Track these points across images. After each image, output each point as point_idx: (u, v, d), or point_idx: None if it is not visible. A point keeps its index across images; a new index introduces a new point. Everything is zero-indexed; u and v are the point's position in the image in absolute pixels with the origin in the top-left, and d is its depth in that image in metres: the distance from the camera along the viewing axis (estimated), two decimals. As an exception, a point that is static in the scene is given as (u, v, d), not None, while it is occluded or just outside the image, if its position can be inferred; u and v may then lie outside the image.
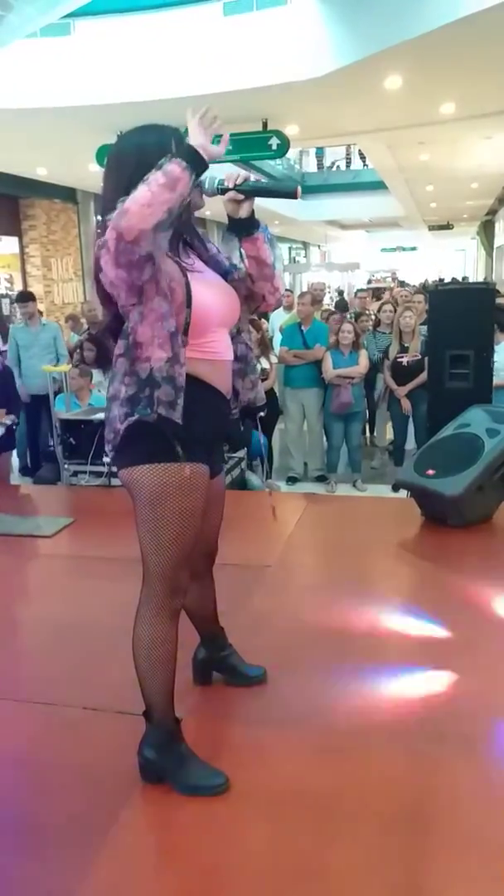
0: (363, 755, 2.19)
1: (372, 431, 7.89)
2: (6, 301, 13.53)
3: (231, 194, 1.91)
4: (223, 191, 1.90)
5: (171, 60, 9.08)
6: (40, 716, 2.44)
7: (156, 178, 1.65)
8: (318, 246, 35.15)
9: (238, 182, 1.90)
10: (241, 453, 5.48)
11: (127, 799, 2.02)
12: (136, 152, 1.83)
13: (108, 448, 1.94)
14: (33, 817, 1.99)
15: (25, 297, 7.00)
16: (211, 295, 1.90)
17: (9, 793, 2.10)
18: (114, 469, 2.03)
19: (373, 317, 8.24)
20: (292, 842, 1.87)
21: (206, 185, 1.89)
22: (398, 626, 3.05)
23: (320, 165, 26.09)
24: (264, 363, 6.33)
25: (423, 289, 11.11)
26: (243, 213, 1.95)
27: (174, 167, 1.67)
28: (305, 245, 34.64)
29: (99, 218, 1.93)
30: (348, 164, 24.44)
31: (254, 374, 2.12)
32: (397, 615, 3.16)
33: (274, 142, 10.30)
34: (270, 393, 6.42)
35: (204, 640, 2.48)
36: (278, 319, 8.13)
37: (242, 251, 2.01)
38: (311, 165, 26.52)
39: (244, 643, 2.63)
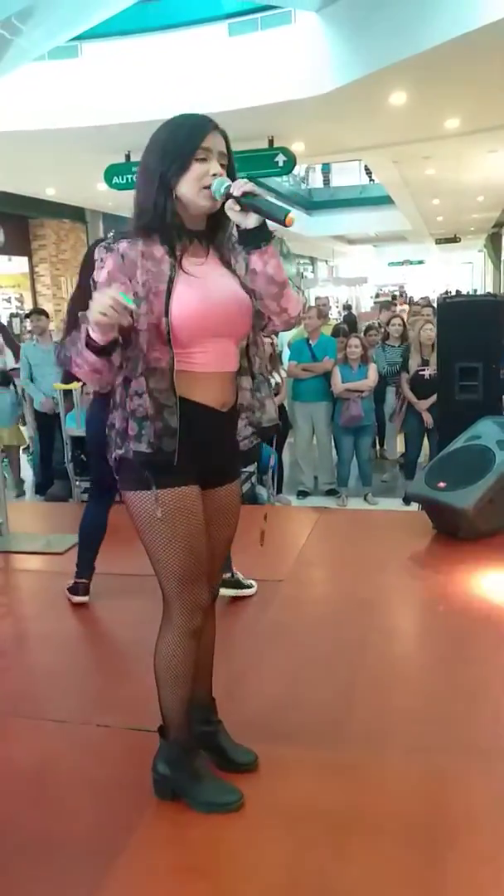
0: (379, 771, 2.18)
1: (382, 444, 7.88)
2: (17, 320, 13.63)
3: (230, 202, 1.79)
4: (226, 197, 1.80)
5: (177, 80, 9.18)
6: (54, 732, 2.44)
7: (82, 358, 1.76)
8: (326, 261, 35.25)
9: (239, 192, 1.78)
10: (251, 468, 5.48)
11: (141, 816, 2.01)
12: (155, 146, 1.83)
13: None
14: (48, 833, 1.98)
15: (38, 311, 7.08)
16: (199, 302, 1.78)
17: (23, 809, 2.10)
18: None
19: (382, 330, 8.25)
20: (308, 859, 1.85)
21: (213, 189, 1.81)
22: (412, 641, 3.04)
23: (326, 181, 26.23)
24: (276, 378, 6.35)
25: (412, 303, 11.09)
26: (250, 222, 1.79)
27: (87, 355, 1.75)
28: (313, 260, 34.75)
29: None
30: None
31: (261, 393, 1.98)
32: (411, 629, 3.15)
33: (280, 158, 10.37)
34: (280, 408, 6.44)
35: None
36: (286, 335, 8.15)
37: (248, 265, 1.84)
38: (317, 181, 26.68)
39: (257, 657, 2.63)
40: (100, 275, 1.76)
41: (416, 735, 2.34)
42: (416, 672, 2.75)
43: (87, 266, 3.04)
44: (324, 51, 8.56)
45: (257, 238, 1.81)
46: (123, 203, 14.31)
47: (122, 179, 10.88)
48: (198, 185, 1.79)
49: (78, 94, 9.42)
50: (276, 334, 7.87)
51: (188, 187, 1.78)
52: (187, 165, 1.77)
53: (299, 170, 22.23)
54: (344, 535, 4.44)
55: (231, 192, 1.77)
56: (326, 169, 25.64)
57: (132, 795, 2.09)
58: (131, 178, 10.92)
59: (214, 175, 1.79)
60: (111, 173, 10.76)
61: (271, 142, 10.44)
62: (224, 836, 1.94)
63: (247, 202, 1.78)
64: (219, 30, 9.64)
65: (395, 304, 15.93)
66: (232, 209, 1.79)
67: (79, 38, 8.65)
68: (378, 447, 7.84)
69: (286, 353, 7.50)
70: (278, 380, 6.38)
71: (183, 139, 1.79)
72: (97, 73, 9.52)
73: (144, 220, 1.80)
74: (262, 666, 2.56)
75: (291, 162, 10.46)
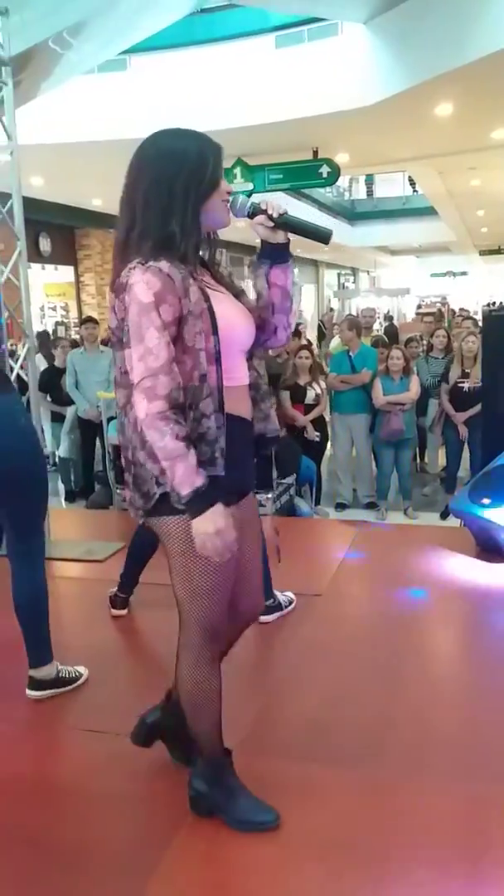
0: (417, 796, 2.13)
1: (423, 458, 7.78)
2: (62, 328, 13.80)
3: (260, 218, 1.82)
4: (253, 214, 1.84)
5: (223, 92, 9.25)
6: (91, 743, 2.44)
7: (172, 465, 1.65)
8: (368, 271, 35.10)
9: (276, 214, 1.81)
10: (290, 479, 5.46)
11: (176, 831, 2.00)
12: (178, 159, 1.76)
13: (136, 499, 1.82)
14: (83, 845, 1.98)
15: (90, 320, 7.25)
16: (233, 316, 1.81)
17: (59, 819, 2.10)
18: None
19: (425, 342, 8.17)
20: (342, 884, 1.82)
21: (237, 206, 1.81)
22: (452, 663, 2.98)
23: (370, 192, 26.16)
24: (316, 389, 6.32)
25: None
26: (281, 238, 1.85)
27: (181, 486, 1.65)
28: (354, 271, 34.63)
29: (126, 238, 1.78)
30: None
31: (265, 403, 2.00)
32: (451, 651, 3.09)
33: (324, 170, 10.36)
34: (320, 419, 6.41)
35: (166, 704, 2.20)
36: (331, 345, 8.13)
37: (269, 279, 1.90)
38: (360, 192, 26.62)
39: (294, 674, 2.60)
40: (146, 295, 1.65)
41: (456, 760, 2.29)
42: (456, 695, 2.70)
43: None
44: (370, 62, 8.54)
45: (283, 254, 1.88)
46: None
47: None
48: (223, 204, 1.80)
49: (125, 107, 9.54)
50: (309, 346, 7.85)
51: (215, 206, 1.78)
52: (217, 185, 1.77)
53: (343, 181, 22.20)
54: (383, 550, 4.39)
55: (267, 211, 1.81)
56: (370, 180, 25.57)
57: (167, 810, 2.08)
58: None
59: (229, 192, 1.81)
60: (156, 184, 10.85)
61: (315, 153, 10.44)
62: (258, 856, 1.92)
63: (287, 220, 1.83)
64: (266, 42, 9.69)
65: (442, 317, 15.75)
66: (262, 225, 1.83)
67: (127, 51, 8.76)
68: (419, 460, 7.75)
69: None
70: (318, 391, 6.36)
71: (210, 159, 1.77)
72: (144, 85, 9.64)
73: (168, 242, 1.72)
74: (299, 684, 2.53)
75: (335, 173, 10.44)
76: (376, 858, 1.90)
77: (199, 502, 1.66)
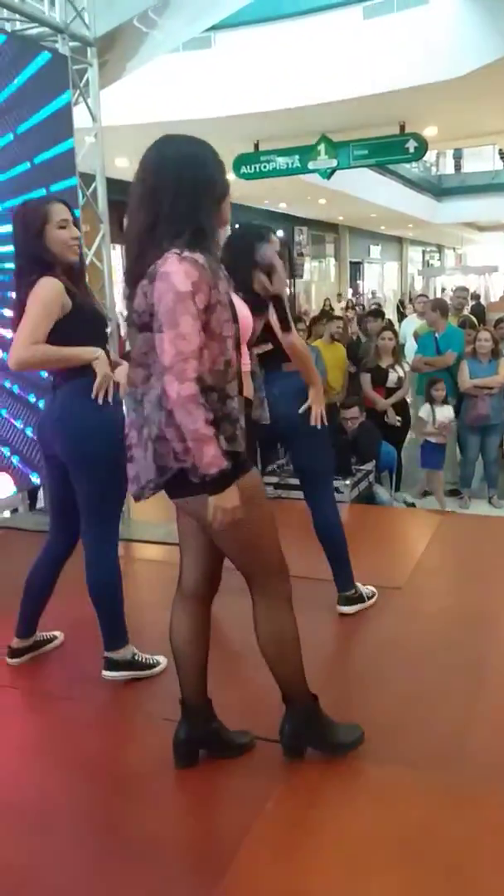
0: (500, 805, 2.04)
1: (509, 444, 7.52)
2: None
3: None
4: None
5: (309, 68, 9.07)
6: (168, 732, 2.43)
7: (199, 448, 1.76)
8: (454, 248, 34.16)
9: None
10: (370, 466, 5.35)
11: (247, 830, 1.97)
12: (199, 161, 1.89)
13: (149, 472, 1.93)
14: (155, 837, 1.97)
15: None
16: (242, 307, 2.01)
17: (133, 809, 2.10)
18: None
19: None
20: (423, 891, 1.76)
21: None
22: (539, 663, 2.84)
23: (458, 167, 25.39)
24: (399, 371, 6.17)
25: None
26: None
27: (210, 467, 1.77)
28: (440, 248, 33.77)
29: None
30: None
31: (261, 391, 2.32)
32: (538, 650, 2.95)
33: (411, 144, 10.07)
34: (402, 403, 6.25)
35: (188, 712, 2.20)
36: (411, 326, 7.91)
37: None
38: (448, 167, 25.85)
39: (371, 669, 2.53)
40: (184, 284, 1.75)
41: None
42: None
43: None
44: (461, 31, 8.23)
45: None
46: (249, 193, 14.35)
47: (250, 169, 10.90)
48: (228, 207, 1.95)
49: (210, 85, 9.50)
50: (392, 327, 7.65)
51: (225, 207, 1.94)
52: (227, 188, 1.94)
53: (429, 155, 21.60)
54: (468, 543, 4.24)
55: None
56: (458, 154, 24.82)
57: (239, 807, 2.07)
58: (260, 168, 10.91)
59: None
60: (240, 163, 10.78)
61: (402, 127, 10.15)
62: (330, 861, 1.87)
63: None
64: (353, 13, 9.44)
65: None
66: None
67: (212, 28, 8.69)
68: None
69: (409, 344, 7.28)
70: (401, 374, 6.19)
71: (221, 166, 1.93)
72: (229, 62, 9.56)
73: (200, 234, 1.84)
74: (375, 680, 2.46)
75: (423, 148, 10.14)
76: (455, 870, 1.83)
77: (223, 482, 1.80)
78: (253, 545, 2.00)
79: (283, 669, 2.10)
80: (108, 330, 2.71)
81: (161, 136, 1.94)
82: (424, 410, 5.90)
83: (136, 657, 2.74)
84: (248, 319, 2.02)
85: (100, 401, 2.52)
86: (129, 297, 1.91)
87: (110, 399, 2.52)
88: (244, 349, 2.04)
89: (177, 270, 1.76)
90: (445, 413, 5.86)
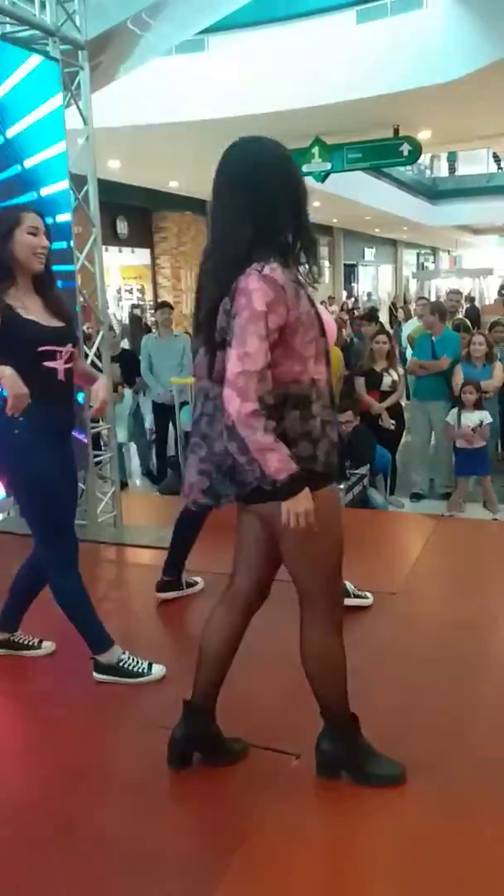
0: (499, 812, 2.02)
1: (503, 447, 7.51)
2: (138, 311, 13.93)
3: None
4: None
5: (302, 71, 9.07)
6: (161, 740, 2.39)
7: (265, 457, 1.76)
8: (448, 251, 34.23)
9: None
10: (364, 469, 5.32)
11: (243, 840, 1.94)
12: (283, 165, 1.87)
13: (225, 486, 1.95)
14: (148, 849, 1.94)
15: (166, 304, 7.30)
16: (328, 318, 1.99)
17: (125, 820, 2.07)
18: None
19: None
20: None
21: None
22: (535, 669, 2.83)
23: (452, 170, 25.44)
24: (393, 375, 6.14)
25: None
26: None
27: (278, 473, 1.77)
28: (434, 251, 33.83)
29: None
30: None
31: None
32: (534, 656, 2.94)
33: (405, 148, 10.07)
34: (396, 406, 6.23)
35: (191, 712, 2.19)
36: (408, 330, 7.91)
37: None
38: (442, 169, 25.90)
39: (364, 675, 2.50)
40: (260, 304, 1.74)
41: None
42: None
43: None
44: (455, 35, 8.23)
45: None
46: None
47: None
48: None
49: (203, 87, 9.48)
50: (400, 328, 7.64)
51: (306, 205, 1.91)
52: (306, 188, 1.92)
53: (424, 158, 21.63)
54: (463, 548, 4.22)
55: None
56: (452, 157, 24.88)
57: (235, 816, 2.04)
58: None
59: None
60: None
61: (396, 131, 10.16)
62: (325, 871, 1.85)
63: None
64: (347, 17, 9.46)
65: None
66: None
67: (205, 31, 8.68)
68: (500, 450, 7.48)
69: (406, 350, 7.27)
70: (395, 377, 6.17)
71: (297, 170, 1.92)
72: (223, 65, 9.55)
73: (283, 248, 1.83)
74: (369, 687, 2.43)
75: (417, 151, 10.14)
76: (455, 880, 1.80)
77: (294, 486, 1.78)
78: (317, 562, 1.97)
79: (326, 692, 2.08)
80: (69, 345, 2.58)
81: (234, 140, 1.89)
82: (452, 415, 5.80)
83: (122, 663, 2.72)
84: (331, 327, 1.99)
85: (15, 418, 2.38)
86: (210, 319, 1.87)
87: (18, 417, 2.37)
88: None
89: (256, 289, 1.75)
90: (474, 418, 5.66)
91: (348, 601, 3.17)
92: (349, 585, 3.23)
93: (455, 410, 5.71)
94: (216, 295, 1.85)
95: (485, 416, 5.62)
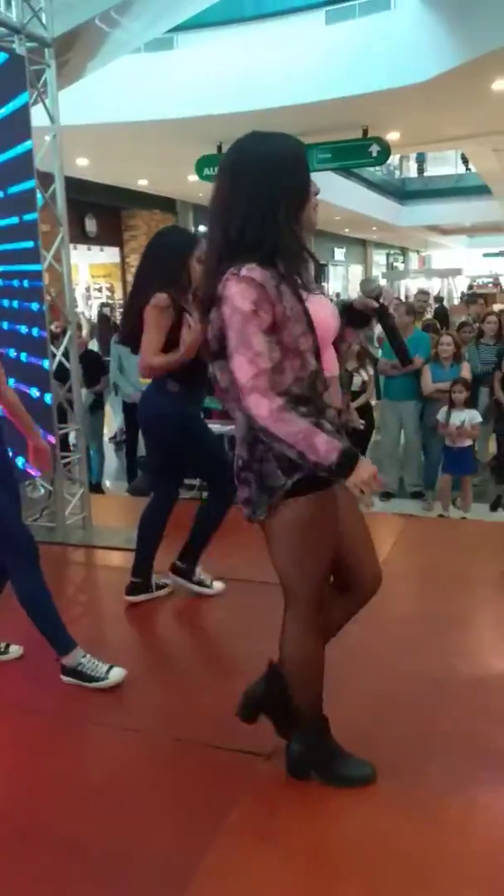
0: (464, 813, 2.04)
1: (473, 446, 7.58)
2: (107, 310, 13.82)
3: (373, 303, 2.08)
4: (377, 297, 2.10)
5: (271, 71, 9.06)
6: (129, 743, 2.39)
7: (311, 444, 1.73)
8: (418, 251, 34.48)
9: (391, 309, 2.11)
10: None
11: (211, 840, 1.94)
12: (275, 166, 1.81)
13: (258, 496, 1.91)
14: (117, 852, 1.93)
15: None
16: (326, 312, 1.93)
17: (94, 824, 2.05)
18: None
19: (476, 326, 7.91)
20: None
21: (370, 288, 2.13)
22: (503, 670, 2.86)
23: (421, 170, 25.63)
24: (363, 375, 6.17)
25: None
26: (369, 313, 2.11)
27: (329, 455, 1.74)
28: (404, 251, 34.06)
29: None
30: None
31: (346, 396, 2.10)
32: (503, 657, 2.97)
33: (374, 149, 10.13)
34: (366, 406, 6.26)
35: (270, 675, 2.17)
36: (378, 330, 7.94)
37: (342, 333, 2.08)
38: (411, 170, 26.09)
39: (333, 678, 2.50)
40: (245, 304, 1.74)
41: (507, 776, 2.18)
42: (507, 704, 2.58)
43: (151, 256, 3.17)
44: (424, 37, 8.28)
45: (363, 323, 2.15)
46: (214, 194, 14.31)
47: (213, 171, 10.82)
48: (314, 208, 1.91)
49: (172, 86, 9.43)
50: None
51: (309, 210, 1.89)
52: (309, 191, 1.88)
53: (393, 159, 21.75)
54: (432, 547, 4.25)
55: (385, 303, 2.09)
56: (421, 158, 25.04)
57: (204, 818, 2.03)
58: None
59: (316, 193, 1.92)
60: (203, 165, 10.74)
61: (365, 132, 10.20)
62: (296, 871, 1.85)
63: (389, 320, 2.14)
64: (316, 17, 9.47)
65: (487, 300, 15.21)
66: (369, 305, 2.08)
67: (174, 29, 8.64)
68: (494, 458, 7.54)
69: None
70: (365, 377, 6.20)
71: (302, 168, 1.87)
72: (191, 64, 9.51)
73: (269, 250, 1.79)
74: (338, 689, 2.42)
75: (385, 152, 10.20)
76: (419, 877, 1.82)
77: (349, 461, 1.76)
78: (302, 562, 1.95)
79: (301, 690, 2.07)
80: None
81: (244, 135, 1.85)
82: (441, 413, 5.83)
83: (81, 667, 2.69)
84: (328, 321, 1.93)
85: None
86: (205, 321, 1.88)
87: None
88: (331, 355, 1.99)
89: (235, 292, 1.75)
90: (462, 417, 5.67)
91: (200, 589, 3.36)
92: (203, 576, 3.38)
93: (445, 408, 5.76)
94: (207, 299, 1.86)
95: (473, 416, 5.68)
